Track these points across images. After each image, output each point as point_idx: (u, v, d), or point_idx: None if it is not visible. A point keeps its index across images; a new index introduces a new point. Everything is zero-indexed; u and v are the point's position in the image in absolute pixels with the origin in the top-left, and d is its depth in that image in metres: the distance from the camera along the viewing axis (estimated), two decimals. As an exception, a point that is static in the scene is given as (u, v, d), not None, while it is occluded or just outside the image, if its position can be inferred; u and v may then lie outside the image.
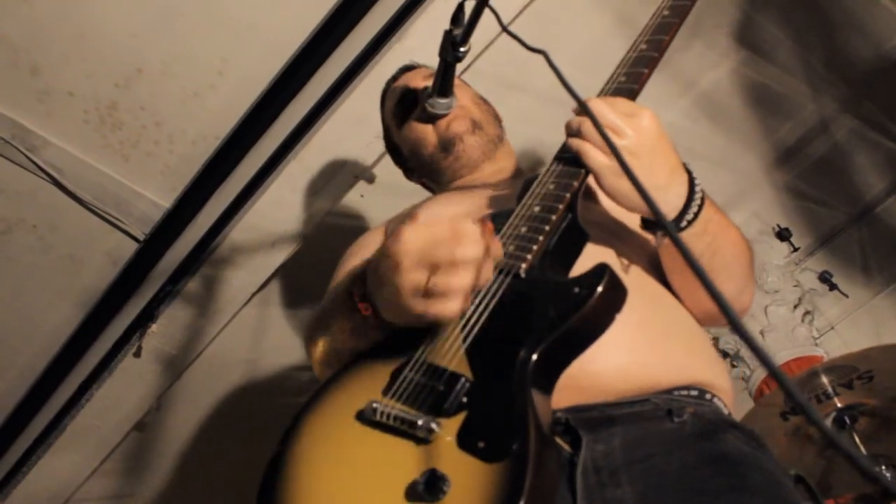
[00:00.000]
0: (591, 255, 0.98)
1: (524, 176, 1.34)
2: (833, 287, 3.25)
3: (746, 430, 1.04)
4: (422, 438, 0.80)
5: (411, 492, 0.76)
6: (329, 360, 1.07)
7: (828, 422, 2.23)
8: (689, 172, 1.03)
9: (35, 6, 1.94)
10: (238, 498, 2.62)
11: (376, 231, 1.49)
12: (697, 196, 1.01)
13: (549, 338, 0.84)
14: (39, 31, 1.98)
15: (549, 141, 1.06)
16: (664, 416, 0.99)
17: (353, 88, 2.14)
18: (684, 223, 1.01)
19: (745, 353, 3.08)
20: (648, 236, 1.14)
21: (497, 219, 1.03)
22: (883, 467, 2.13)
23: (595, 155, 0.97)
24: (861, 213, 3.26)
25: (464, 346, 0.87)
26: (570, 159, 1.01)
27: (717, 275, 1.10)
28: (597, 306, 0.85)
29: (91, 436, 2.66)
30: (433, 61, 1.39)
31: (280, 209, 2.31)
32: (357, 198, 2.43)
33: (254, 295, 2.49)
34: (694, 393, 1.07)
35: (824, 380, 2.19)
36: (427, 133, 1.49)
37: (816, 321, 3.19)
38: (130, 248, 2.39)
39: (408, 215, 1.40)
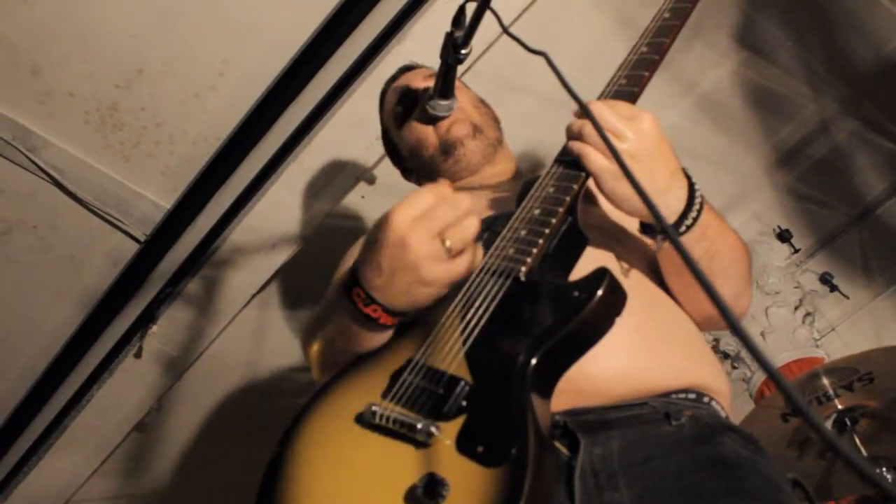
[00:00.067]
0: (591, 259, 0.98)
1: (523, 178, 1.34)
2: (834, 288, 3.25)
3: (744, 434, 1.04)
4: (421, 442, 0.80)
5: (410, 496, 0.76)
6: (327, 364, 1.07)
7: (828, 423, 2.23)
8: (688, 177, 1.03)
9: (36, 7, 1.94)
10: (238, 499, 2.62)
11: None
12: (697, 201, 1.01)
13: (549, 342, 0.84)
14: (40, 32, 1.99)
15: (550, 142, 1.06)
16: (662, 419, 0.99)
17: (354, 90, 2.13)
18: (683, 228, 1.01)
19: (746, 354, 3.08)
20: (647, 240, 1.14)
21: (497, 221, 1.03)
22: (883, 469, 2.12)
23: (596, 158, 0.97)
24: (862, 215, 3.25)
25: (463, 350, 0.87)
26: (570, 162, 1.01)
27: (715, 279, 1.10)
28: (596, 310, 0.85)
29: (91, 436, 2.66)
30: (433, 63, 1.38)
31: (281, 210, 2.31)
32: (358, 199, 2.43)
33: (254, 296, 2.49)
34: (692, 396, 1.07)
35: (825, 381, 2.19)
36: (427, 134, 1.49)
37: (817, 323, 3.18)
38: (131, 248, 2.39)
39: None
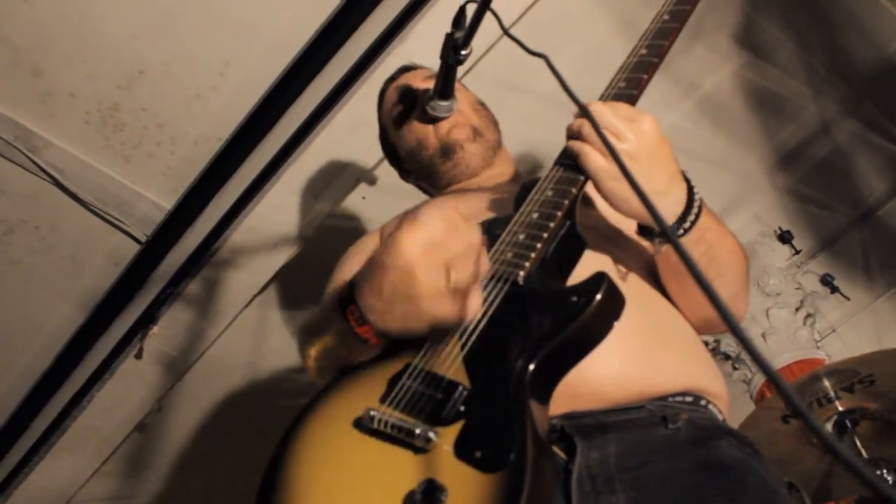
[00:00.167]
0: (589, 262, 0.98)
1: (521, 180, 1.34)
2: (835, 290, 3.24)
3: (741, 437, 1.04)
4: (419, 447, 0.80)
5: (409, 501, 0.76)
6: (323, 369, 1.07)
7: (829, 426, 2.23)
8: (687, 180, 1.03)
9: (36, 7, 1.94)
10: (238, 499, 2.62)
11: (373, 235, 1.48)
12: (696, 204, 1.01)
13: (547, 347, 0.83)
14: (41, 32, 1.99)
15: (550, 143, 1.06)
16: (659, 422, 0.99)
17: (356, 91, 2.13)
18: (681, 230, 1.01)
19: (747, 356, 3.08)
20: (645, 243, 1.14)
21: (495, 224, 1.03)
22: (884, 471, 2.12)
23: (595, 157, 0.97)
24: (863, 216, 3.25)
25: (462, 354, 0.87)
26: (569, 164, 1.01)
27: (713, 281, 1.09)
28: (595, 315, 0.85)
29: (92, 437, 2.66)
30: (434, 64, 1.38)
31: (281, 211, 2.31)
32: (358, 200, 2.43)
33: (255, 297, 2.49)
34: (689, 399, 1.07)
35: (826, 383, 2.19)
36: (427, 135, 1.48)
37: (818, 324, 3.18)
38: (132, 249, 2.39)
39: (402, 220, 1.40)
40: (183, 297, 2.42)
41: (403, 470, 0.79)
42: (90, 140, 2.19)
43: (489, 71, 2.12)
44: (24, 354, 2.51)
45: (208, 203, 2.29)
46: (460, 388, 0.83)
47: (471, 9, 1.20)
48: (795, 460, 2.25)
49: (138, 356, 2.48)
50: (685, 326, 1.16)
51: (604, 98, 1.05)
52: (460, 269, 0.84)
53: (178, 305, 2.43)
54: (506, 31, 1.16)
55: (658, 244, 1.06)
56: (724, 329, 1.36)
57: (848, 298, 3.27)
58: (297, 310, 2.74)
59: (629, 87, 1.04)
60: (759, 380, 3.02)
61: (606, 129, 0.95)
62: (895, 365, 2.09)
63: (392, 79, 1.67)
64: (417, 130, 1.50)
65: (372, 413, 0.84)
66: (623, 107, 1.00)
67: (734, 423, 1.60)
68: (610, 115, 0.97)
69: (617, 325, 0.88)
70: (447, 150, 1.47)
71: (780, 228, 3.20)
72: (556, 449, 0.96)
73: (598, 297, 0.85)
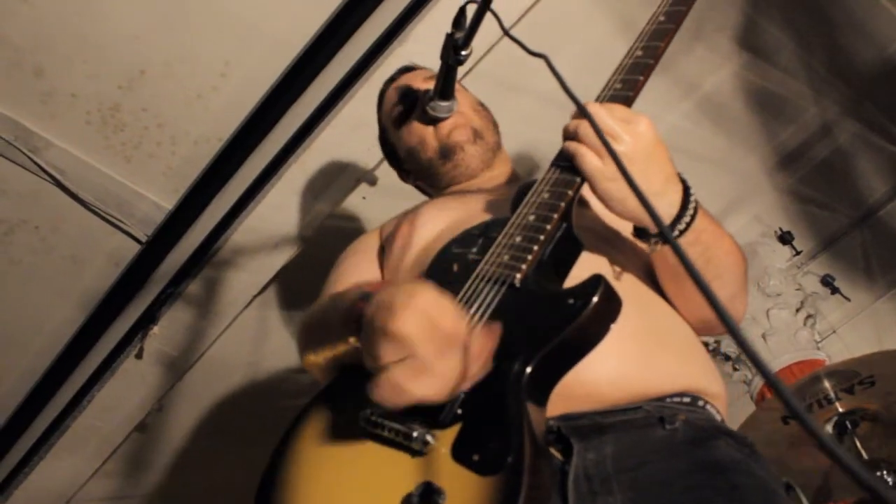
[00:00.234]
0: (586, 264, 0.98)
1: (519, 181, 1.34)
2: (835, 291, 3.24)
3: (739, 437, 1.04)
4: (417, 450, 0.80)
5: None
6: (325, 371, 1.06)
7: (829, 427, 2.23)
8: (683, 181, 1.03)
9: (37, 7, 1.94)
10: (239, 499, 2.62)
11: (371, 235, 1.49)
12: (691, 205, 1.01)
13: (544, 350, 0.83)
14: (42, 33, 1.99)
15: (551, 143, 1.06)
16: (656, 423, 0.99)
17: (356, 91, 2.13)
18: (676, 232, 1.01)
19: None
20: (641, 244, 1.14)
21: (492, 226, 1.03)
22: (884, 472, 2.12)
23: (591, 159, 0.97)
24: (863, 217, 3.25)
25: None
26: (566, 166, 1.01)
27: (710, 283, 1.08)
28: (591, 318, 0.85)
29: (92, 437, 2.66)
30: (434, 64, 1.38)
31: (282, 212, 2.31)
32: (359, 200, 2.43)
33: (255, 297, 2.49)
34: (686, 400, 1.07)
35: (826, 384, 2.19)
36: (427, 136, 1.48)
37: (818, 325, 3.18)
38: (132, 249, 2.39)
39: (403, 219, 1.41)
40: (183, 297, 2.42)
41: (401, 473, 0.79)
42: (91, 140, 2.19)
43: (489, 71, 2.12)
44: (24, 354, 2.51)
45: (209, 203, 2.29)
46: None
47: (471, 9, 1.20)
48: (796, 461, 2.25)
49: (139, 356, 2.48)
50: (683, 327, 1.16)
51: (600, 99, 1.05)
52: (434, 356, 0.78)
53: (178, 305, 2.43)
54: (506, 32, 1.16)
55: (653, 245, 1.06)
56: (723, 331, 1.35)
57: (848, 299, 3.27)
58: (297, 310, 2.74)
59: (625, 88, 1.04)
60: (760, 381, 3.02)
61: (602, 130, 0.95)
62: (895, 366, 2.10)
63: (392, 79, 1.66)
64: (417, 131, 1.50)
65: (370, 416, 0.84)
66: (619, 108, 1.00)
67: (734, 423, 1.60)
68: (606, 116, 0.97)
69: (614, 326, 0.88)
70: (447, 152, 1.47)
71: (780, 229, 3.20)
72: (552, 450, 0.96)
73: (595, 299, 0.85)
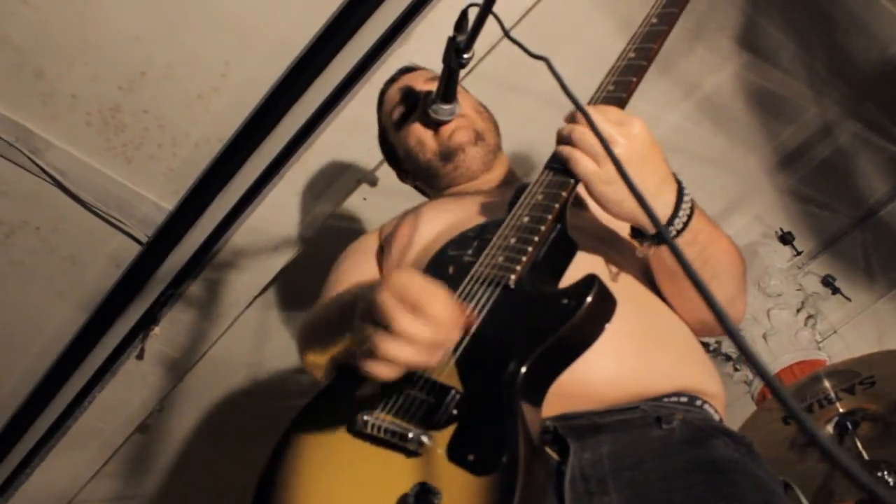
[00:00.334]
0: (580, 264, 0.98)
1: (517, 182, 1.34)
2: (836, 291, 3.24)
3: (737, 437, 1.04)
4: (412, 451, 0.80)
5: None
6: (324, 370, 1.07)
7: (830, 427, 2.23)
8: (678, 182, 1.03)
9: (38, 9, 1.95)
10: (239, 500, 2.62)
11: (371, 235, 1.49)
12: (686, 206, 1.01)
13: (538, 350, 0.83)
14: (43, 34, 1.99)
15: (550, 144, 1.06)
16: (653, 423, 0.99)
17: (357, 92, 2.14)
18: (673, 232, 1.00)
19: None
20: (638, 247, 1.14)
21: (487, 228, 1.03)
22: (885, 473, 2.12)
23: (586, 163, 0.97)
24: (864, 217, 3.25)
25: (454, 358, 0.87)
26: (560, 168, 1.01)
27: (708, 283, 1.09)
28: (586, 317, 0.85)
29: (93, 438, 2.67)
30: (435, 65, 1.38)
31: (282, 212, 2.31)
32: (360, 201, 2.43)
33: (256, 298, 2.49)
34: (684, 399, 1.06)
35: (826, 385, 2.19)
36: (427, 138, 1.47)
37: (819, 325, 3.17)
38: (133, 250, 2.40)
39: (403, 219, 1.41)
40: (184, 298, 2.42)
41: (397, 474, 0.79)
42: (92, 141, 2.19)
43: (490, 71, 2.12)
44: (25, 355, 2.51)
45: (209, 204, 2.29)
46: (452, 391, 0.84)
47: (472, 11, 1.20)
48: (797, 461, 2.25)
49: (140, 357, 2.49)
50: (680, 327, 1.15)
51: (593, 101, 1.05)
52: (387, 338, 0.81)
53: (179, 306, 2.44)
54: (507, 34, 1.16)
55: (649, 246, 1.06)
56: (721, 332, 1.35)
57: (849, 299, 3.27)
58: (298, 311, 2.74)
59: (618, 90, 1.04)
60: (760, 381, 3.01)
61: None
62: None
63: (393, 80, 1.66)
64: (418, 132, 1.49)
65: (366, 418, 0.85)
66: (612, 110, 1.00)
67: (735, 423, 1.60)
68: (600, 119, 0.96)
69: (610, 326, 0.88)
70: (448, 154, 1.46)
71: (781, 229, 3.20)
72: (549, 450, 0.96)
73: (589, 299, 0.85)
